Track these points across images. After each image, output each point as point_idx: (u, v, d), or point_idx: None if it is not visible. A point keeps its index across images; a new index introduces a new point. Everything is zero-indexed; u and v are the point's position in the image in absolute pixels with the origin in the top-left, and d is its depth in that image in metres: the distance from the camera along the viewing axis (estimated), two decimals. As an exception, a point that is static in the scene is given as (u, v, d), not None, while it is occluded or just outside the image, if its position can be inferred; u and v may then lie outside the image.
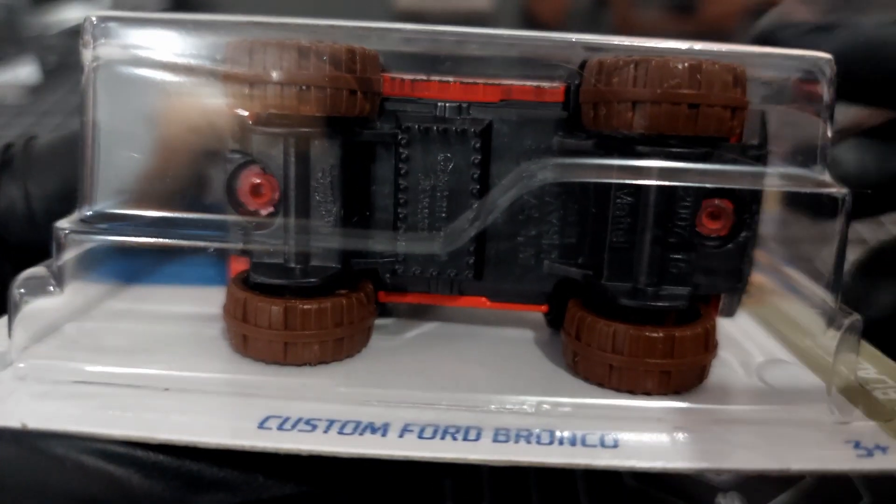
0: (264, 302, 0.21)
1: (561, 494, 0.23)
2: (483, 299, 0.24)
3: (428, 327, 0.25)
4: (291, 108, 0.20)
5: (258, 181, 0.22)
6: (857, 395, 0.20)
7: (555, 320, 0.24)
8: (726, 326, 0.25)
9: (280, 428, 0.18)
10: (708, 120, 0.19)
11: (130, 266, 0.26)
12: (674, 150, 0.20)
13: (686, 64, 0.19)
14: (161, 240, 0.21)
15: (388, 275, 0.23)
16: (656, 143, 0.20)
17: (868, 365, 0.23)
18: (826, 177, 0.20)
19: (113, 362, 0.20)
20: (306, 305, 0.21)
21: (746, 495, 0.21)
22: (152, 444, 0.18)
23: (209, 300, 0.24)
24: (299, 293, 0.21)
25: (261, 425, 0.18)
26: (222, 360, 0.21)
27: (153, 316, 0.24)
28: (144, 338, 0.22)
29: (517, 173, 0.21)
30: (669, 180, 0.20)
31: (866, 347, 0.23)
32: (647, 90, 0.19)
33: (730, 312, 0.24)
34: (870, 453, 0.18)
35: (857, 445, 0.18)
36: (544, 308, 0.24)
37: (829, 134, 0.20)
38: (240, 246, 0.21)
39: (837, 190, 0.20)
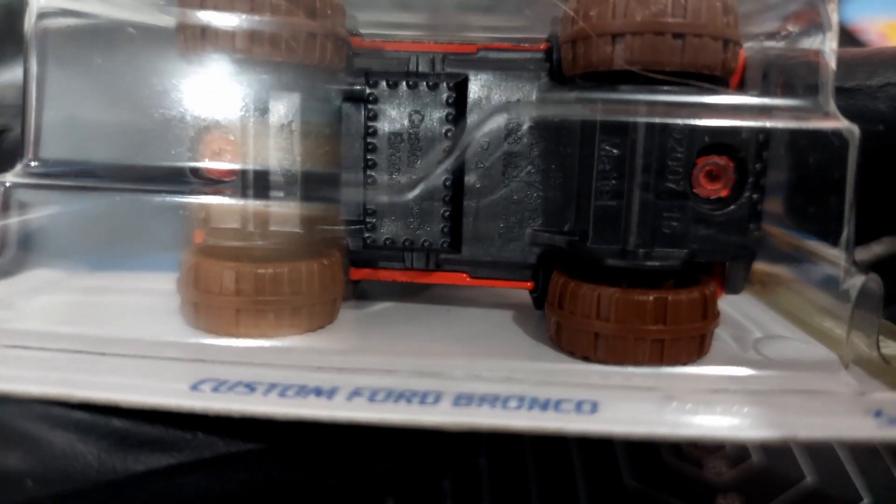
0: (216, 266, 0.19)
1: (560, 494, 0.21)
2: (463, 275, 0.22)
3: (406, 305, 0.23)
4: (245, 51, 0.18)
5: (223, 147, 0.21)
6: (879, 367, 0.18)
7: (541, 299, 0.22)
8: (722, 307, 0.22)
9: (215, 390, 0.16)
10: (696, 52, 0.17)
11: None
12: (660, 87, 0.18)
13: (669, -9, 0.17)
14: (108, 185, 0.20)
15: (359, 245, 0.21)
16: (641, 81, 0.18)
17: (893, 342, 0.20)
18: (832, 107, 0.18)
19: (51, 325, 0.19)
20: (260, 269, 0.19)
21: (746, 496, 0.19)
22: (74, 404, 0.16)
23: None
24: (256, 258, 0.20)
25: (194, 387, 0.16)
26: (170, 329, 0.20)
27: (106, 288, 0.23)
28: (91, 306, 0.21)
29: (489, 111, 0.19)
30: (660, 117, 0.18)
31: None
32: (627, 20, 0.17)
33: (736, 288, 0.21)
34: (893, 422, 0.15)
35: (878, 414, 0.16)
36: (530, 285, 0.22)
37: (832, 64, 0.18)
38: (191, 199, 0.20)
39: (846, 125, 0.18)
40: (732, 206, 0.20)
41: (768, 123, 0.18)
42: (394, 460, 0.20)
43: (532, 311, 0.23)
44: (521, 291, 0.22)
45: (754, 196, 0.20)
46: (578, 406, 0.16)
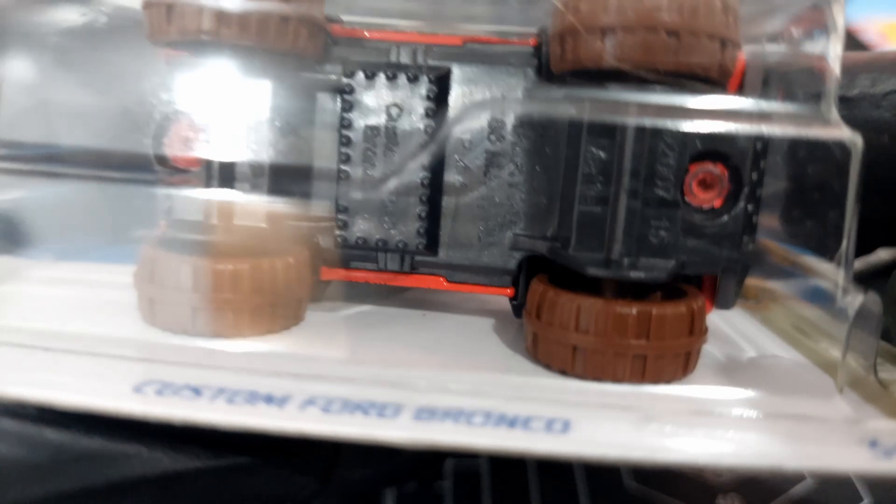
0: (173, 261, 0.18)
1: (561, 496, 0.20)
2: (440, 279, 0.21)
3: (375, 310, 0.22)
4: (211, 33, 0.17)
5: (188, 135, 0.20)
6: (875, 393, 0.17)
7: (521, 307, 0.21)
8: (712, 320, 0.21)
9: (159, 393, 0.15)
10: (692, 51, 0.16)
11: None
12: (652, 87, 0.17)
13: (665, -15, 0.16)
14: (70, 171, 0.19)
15: (329, 243, 0.20)
16: (631, 80, 0.17)
17: (893, 366, 0.19)
18: (834, 115, 0.16)
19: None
20: (219, 265, 0.18)
21: (747, 497, 0.18)
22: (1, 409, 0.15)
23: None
24: (215, 254, 0.19)
25: (137, 389, 0.15)
26: (124, 326, 0.19)
27: (68, 280, 0.22)
28: (47, 298, 0.20)
29: (475, 105, 0.18)
30: (650, 119, 0.16)
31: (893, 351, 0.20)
32: (619, 15, 0.16)
33: (727, 302, 0.20)
34: (889, 454, 0.14)
35: (873, 444, 0.14)
36: (509, 292, 0.21)
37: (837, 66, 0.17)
38: (155, 188, 0.19)
39: (849, 133, 0.16)
40: (725, 217, 0.19)
41: (766, 130, 0.17)
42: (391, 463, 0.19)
43: (513, 320, 0.22)
44: (503, 298, 0.21)
45: (749, 207, 0.19)
46: (549, 424, 0.15)
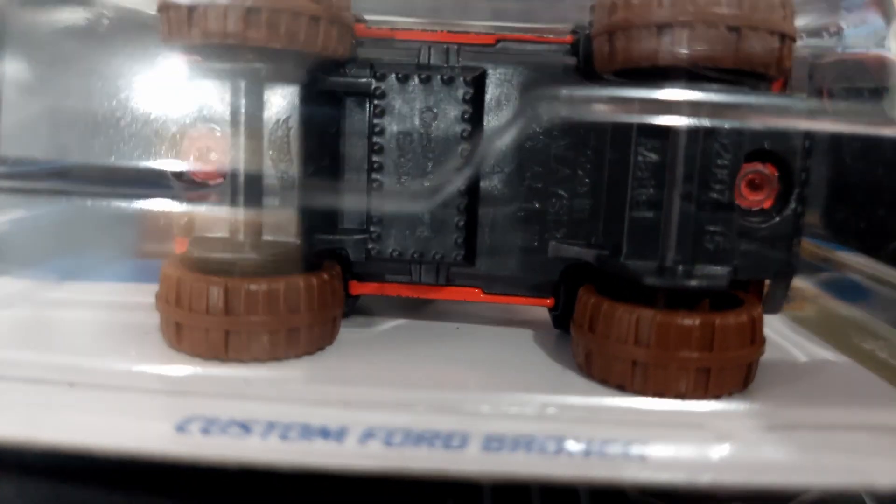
0: (201, 282, 0.17)
1: None
2: (476, 291, 0.20)
3: (407, 323, 0.21)
4: (237, 36, 0.16)
5: (209, 146, 0.19)
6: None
7: (562, 318, 0.20)
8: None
9: (204, 431, 0.14)
10: (752, 48, 0.15)
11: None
12: (703, 86, 0.16)
13: (723, -21, 0.15)
14: (79, 189, 0.17)
15: (361, 257, 0.19)
16: (689, 78, 0.16)
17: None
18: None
19: (12, 351, 0.16)
20: (253, 286, 0.17)
21: None
22: (30, 454, 0.13)
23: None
24: (247, 272, 0.17)
25: (180, 428, 0.14)
26: (150, 354, 0.17)
27: (77, 302, 0.20)
28: (59, 324, 0.18)
29: (516, 111, 0.17)
30: (705, 119, 0.16)
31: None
32: (677, 9, 0.15)
33: (775, 307, 0.19)
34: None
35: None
36: (549, 302, 0.20)
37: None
38: (172, 205, 0.18)
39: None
40: (777, 219, 0.18)
41: (830, 128, 0.16)
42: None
43: (549, 330, 0.21)
44: (526, 306, 0.20)
45: (798, 208, 0.18)
46: (626, 448, 0.14)
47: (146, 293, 0.20)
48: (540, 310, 0.21)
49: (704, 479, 0.13)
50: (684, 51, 0.15)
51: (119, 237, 0.22)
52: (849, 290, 0.22)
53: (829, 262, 0.22)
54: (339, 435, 0.14)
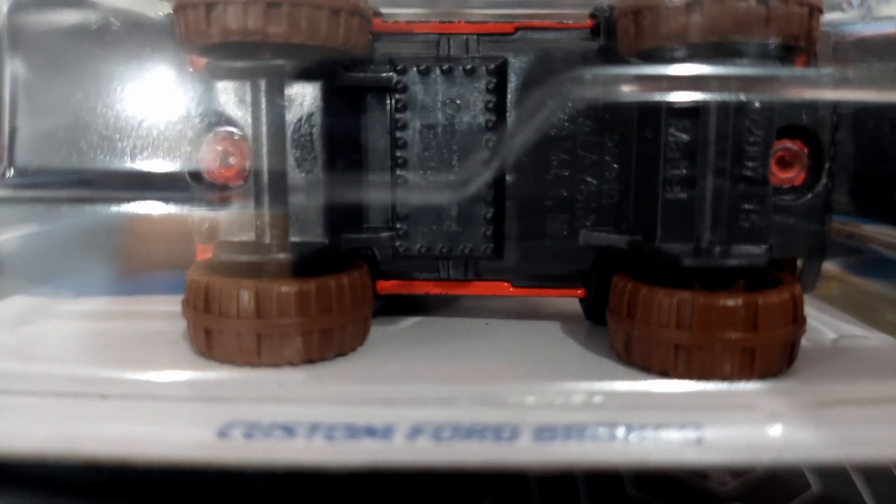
0: (231, 286, 0.16)
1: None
2: (505, 284, 0.20)
3: (432, 320, 0.20)
4: (258, 32, 0.16)
5: (227, 148, 0.18)
6: None
7: (594, 308, 0.20)
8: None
9: (247, 436, 0.13)
10: (782, 21, 0.15)
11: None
12: (731, 62, 0.16)
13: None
14: (91, 195, 0.17)
15: (388, 255, 0.19)
16: (719, 54, 0.16)
17: None
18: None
19: (40, 365, 0.16)
20: (284, 288, 0.16)
21: None
22: (69, 468, 0.13)
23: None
24: (276, 274, 0.17)
25: (221, 434, 0.13)
26: (180, 361, 0.17)
27: (98, 314, 0.20)
28: (83, 337, 0.18)
29: (541, 96, 0.16)
30: (739, 93, 0.15)
31: None
32: (706, -16, 0.15)
33: (810, 285, 0.19)
34: None
35: None
36: (580, 293, 0.20)
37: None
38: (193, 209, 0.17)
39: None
40: (809, 195, 0.18)
41: (864, 98, 0.16)
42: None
43: (580, 321, 0.20)
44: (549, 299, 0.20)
45: (829, 184, 0.18)
46: (682, 431, 0.13)
47: (164, 303, 0.19)
48: (565, 302, 0.21)
49: (766, 458, 0.13)
50: (714, 26, 0.15)
51: (130, 251, 0.22)
52: (874, 267, 0.22)
53: (855, 237, 0.22)
54: (386, 433, 0.13)
